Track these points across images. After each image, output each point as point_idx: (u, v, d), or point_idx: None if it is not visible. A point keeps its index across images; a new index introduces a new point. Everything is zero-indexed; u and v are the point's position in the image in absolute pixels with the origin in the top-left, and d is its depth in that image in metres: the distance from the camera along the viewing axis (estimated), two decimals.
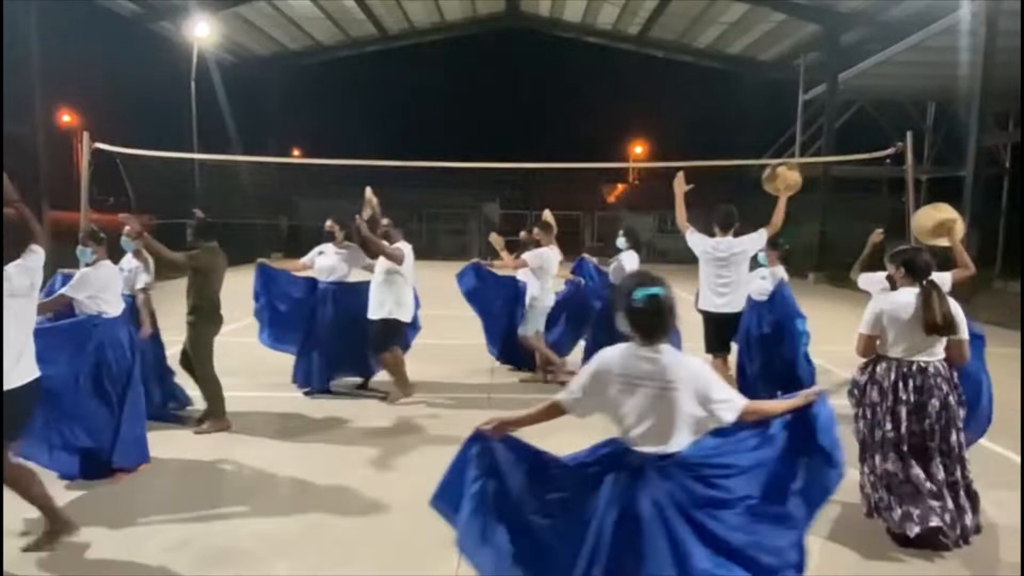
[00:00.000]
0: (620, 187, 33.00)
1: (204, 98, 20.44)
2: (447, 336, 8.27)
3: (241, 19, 21.69)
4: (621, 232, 6.76)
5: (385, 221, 5.95)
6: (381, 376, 6.19)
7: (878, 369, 3.55)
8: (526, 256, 6.34)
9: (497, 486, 2.46)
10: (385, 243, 5.70)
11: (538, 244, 6.47)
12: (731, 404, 2.36)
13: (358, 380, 6.29)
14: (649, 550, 2.21)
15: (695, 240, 5.71)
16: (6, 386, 3.01)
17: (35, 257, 3.16)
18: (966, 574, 3.23)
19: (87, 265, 4.41)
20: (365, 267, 6.14)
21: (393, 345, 5.81)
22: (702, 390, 2.31)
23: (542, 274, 6.29)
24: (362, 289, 5.95)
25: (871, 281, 4.15)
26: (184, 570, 3.12)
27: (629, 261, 6.51)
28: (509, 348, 6.92)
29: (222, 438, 4.90)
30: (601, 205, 31.18)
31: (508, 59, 35.14)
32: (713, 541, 2.25)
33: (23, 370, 3.11)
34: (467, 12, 25.09)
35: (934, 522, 3.26)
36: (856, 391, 3.71)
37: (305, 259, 6.27)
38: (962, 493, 3.39)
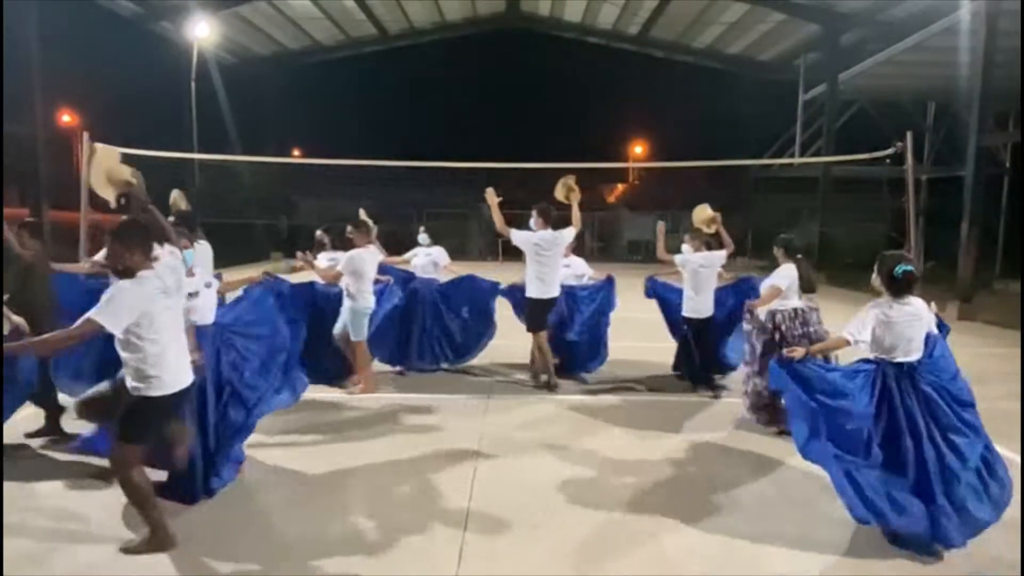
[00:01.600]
0: (620, 187, 33.01)
1: (204, 98, 20.44)
2: None
3: (241, 19, 21.69)
4: (422, 229, 7.37)
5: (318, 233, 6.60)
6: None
7: (785, 314, 5.15)
8: (341, 264, 5.97)
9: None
10: (318, 264, 6.18)
11: (352, 245, 6.09)
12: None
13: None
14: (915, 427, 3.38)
15: (520, 237, 6.22)
16: (174, 388, 3.10)
17: (173, 257, 3.26)
18: (966, 574, 3.23)
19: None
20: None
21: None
22: (929, 322, 3.61)
23: (358, 277, 5.91)
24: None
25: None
26: (184, 570, 3.13)
27: (439, 255, 7.18)
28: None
29: None
30: (601, 205, 31.18)
31: (508, 59, 35.13)
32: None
33: (185, 373, 3.18)
34: (467, 12, 25.08)
35: None
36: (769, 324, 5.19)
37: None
38: None
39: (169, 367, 3.10)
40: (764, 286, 5.30)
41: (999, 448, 4.97)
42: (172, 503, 3.62)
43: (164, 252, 3.25)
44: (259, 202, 25.26)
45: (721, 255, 6.19)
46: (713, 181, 28.98)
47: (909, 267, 3.51)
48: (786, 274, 5.14)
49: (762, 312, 5.24)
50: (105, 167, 3.72)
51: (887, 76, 17.87)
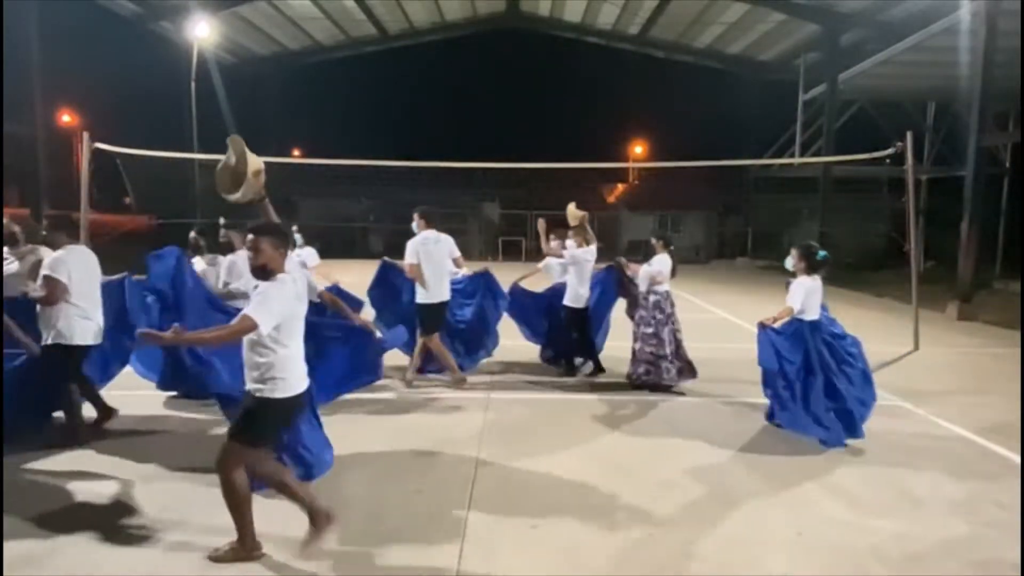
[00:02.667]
0: (620, 187, 33.00)
1: (204, 98, 20.43)
2: None
3: (241, 19, 21.70)
4: (295, 228, 7.32)
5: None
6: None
7: (662, 295, 6.39)
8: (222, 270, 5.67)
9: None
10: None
11: (231, 248, 5.82)
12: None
13: None
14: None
15: (411, 248, 6.18)
16: (296, 391, 3.12)
17: (292, 257, 3.34)
18: (966, 574, 3.23)
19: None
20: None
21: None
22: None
23: (239, 279, 5.50)
24: None
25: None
26: (184, 570, 3.12)
27: (309, 256, 7.22)
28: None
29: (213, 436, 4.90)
30: (601, 205, 31.18)
31: (508, 59, 35.18)
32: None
33: (304, 378, 3.20)
34: (467, 12, 25.09)
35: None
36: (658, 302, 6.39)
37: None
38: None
39: (294, 370, 3.12)
40: (644, 273, 6.41)
41: (999, 448, 4.99)
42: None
43: (293, 257, 3.32)
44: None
45: (594, 249, 6.91)
46: (713, 181, 29.03)
47: (826, 253, 5.10)
48: (664, 262, 6.34)
49: (647, 290, 6.40)
50: (254, 168, 3.58)
51: (887, 76, 17.87)
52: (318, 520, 3.21)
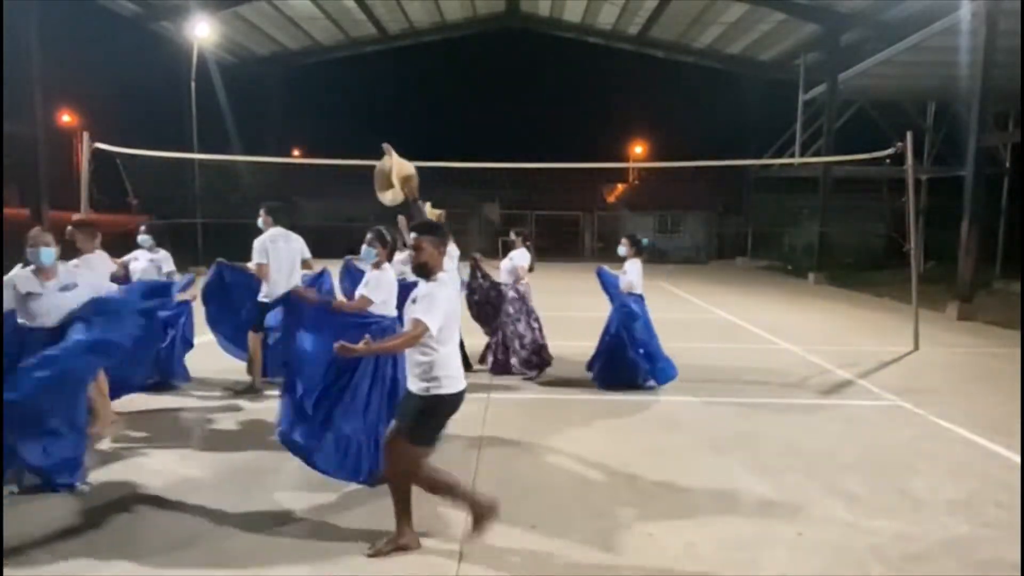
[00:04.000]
0: (620, 187, 32.99)
1: (204, 98, 20.42)
2: None
3: (241, 19, 21.67)
4: (143, 228, 6.71)
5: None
6: None
7: (526, 285, 6.97)
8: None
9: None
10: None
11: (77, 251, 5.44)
12: None
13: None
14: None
15: (258, 246, 5.95)
16: (461, 387, 3.18)
17: (453, 261, 3.42)
18: (966, 574, 3.23)
19: (373, 266, 4.48)
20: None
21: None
22: None
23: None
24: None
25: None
26: (184, 570, 3.12)
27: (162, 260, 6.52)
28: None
29: (212, 435, 4.91)
30: (601, 205, 31.18)
31: (508, 59, 35.20)
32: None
33: (462, 374, 3.25)
34: (467, 12, 25.07)
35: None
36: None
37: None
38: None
39: (454, 367, 3.19)
40: (509, 268, 6.88)
41: (999, 448, 4.99)
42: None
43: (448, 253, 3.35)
44: (259, 202, 25.23)
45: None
46: (713, 181, 29.03)
47: (647, 240, 6.84)
48: (524, 256, 6.89)
49: (511, 284, 6.89)
50: (404, 174, 3.86)
51: (887, 76, 17.86)
52: (481, 512, 3.25)
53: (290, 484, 4.07)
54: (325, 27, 23.70)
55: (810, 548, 3.42)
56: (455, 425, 5.32)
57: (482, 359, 7.04)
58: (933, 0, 14.22)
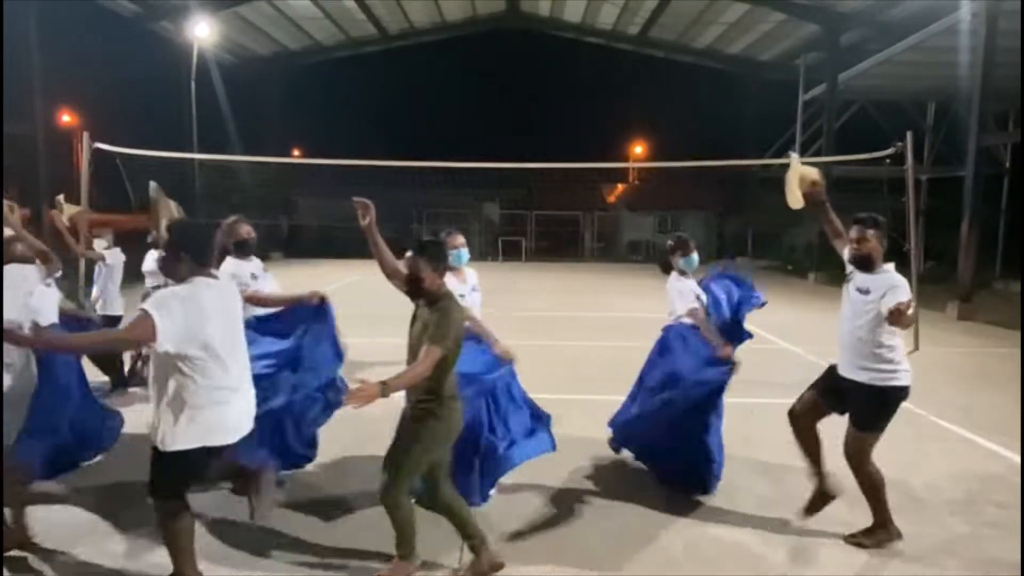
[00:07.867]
0: (620, 187, 32.99)
1: (204, 98, 20.43)
2: None
3: (241, 19, 21.69)
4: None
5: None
6: None
7: None
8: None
9: None
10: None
11: None
12: None
13: None
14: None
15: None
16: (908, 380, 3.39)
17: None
18: (966, 574, 3.23)
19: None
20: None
21: None
22: None
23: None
24: None
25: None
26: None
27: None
28: None
29: None
30: (601, 205, 31.18)
31: (508, 59, 35.18)
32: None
33: None
34: (467, 12, 25.09)
35: None
36: None
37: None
38: None
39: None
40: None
41: (999, 448, 4.98)
42: None
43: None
44: (259, 202, 25.26)
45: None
46: (713, 181, 29.01)
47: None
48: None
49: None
50: (810, 179, 4.14)
51: (887, 76, 17.86)
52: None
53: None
54: (325, 27, 23.73)
55: (810, 548, 3.42)
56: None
57: None
58: (933, 0, 14.23)
